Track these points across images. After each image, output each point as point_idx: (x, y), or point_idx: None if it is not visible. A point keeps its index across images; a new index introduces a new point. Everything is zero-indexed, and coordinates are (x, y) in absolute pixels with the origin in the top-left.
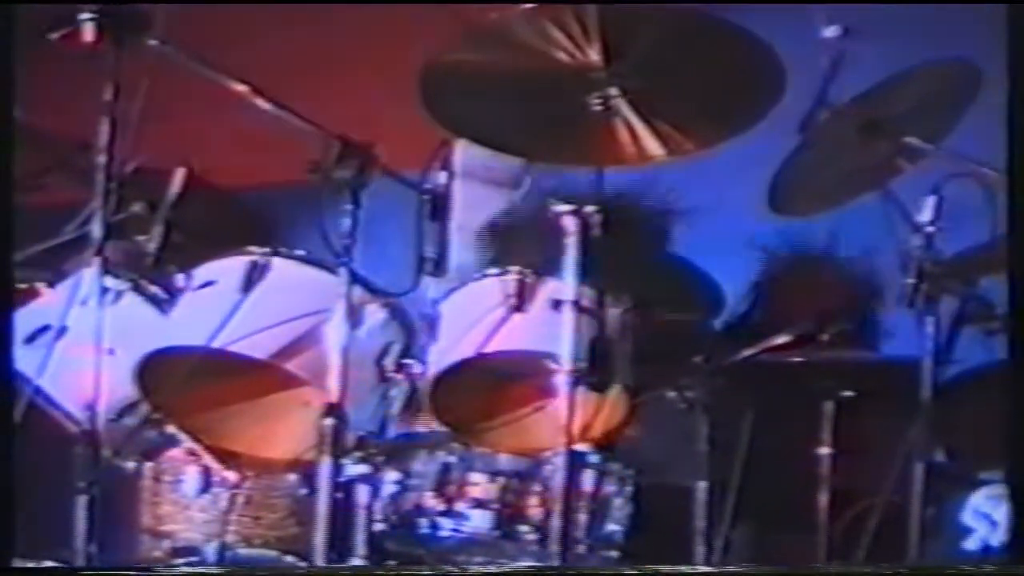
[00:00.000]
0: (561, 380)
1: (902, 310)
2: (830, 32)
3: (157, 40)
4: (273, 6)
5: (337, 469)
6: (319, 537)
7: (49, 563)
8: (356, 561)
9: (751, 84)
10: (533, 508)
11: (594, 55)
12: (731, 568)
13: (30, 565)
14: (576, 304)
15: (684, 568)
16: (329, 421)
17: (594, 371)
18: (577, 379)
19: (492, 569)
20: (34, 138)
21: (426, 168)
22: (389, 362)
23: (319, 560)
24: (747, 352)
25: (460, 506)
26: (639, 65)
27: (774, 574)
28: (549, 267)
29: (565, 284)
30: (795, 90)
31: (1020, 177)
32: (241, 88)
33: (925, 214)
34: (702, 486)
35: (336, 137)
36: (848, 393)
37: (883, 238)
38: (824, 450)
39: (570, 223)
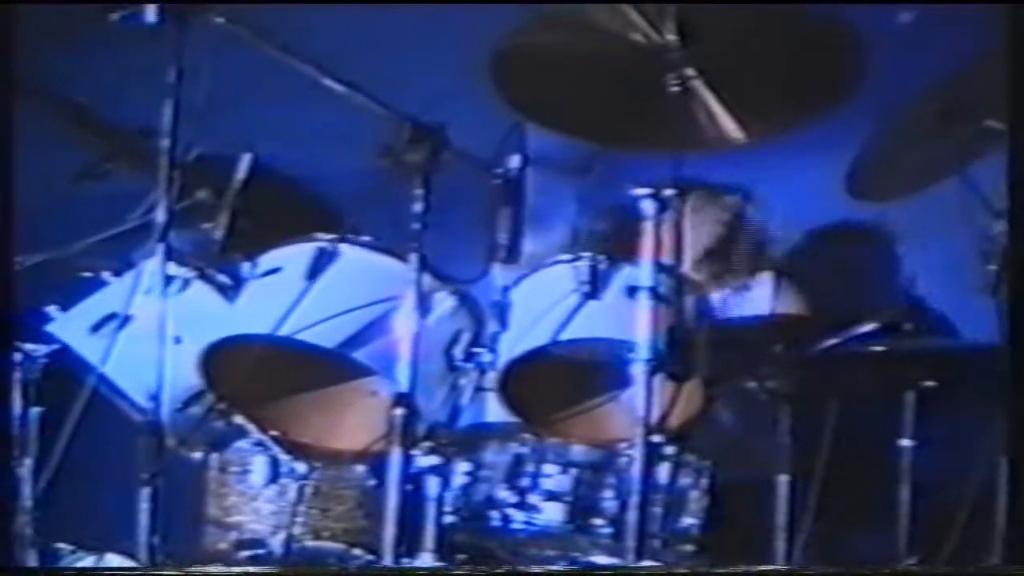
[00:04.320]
0: (637, 369)
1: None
2: (905, 17)
3: (223, 18)
4: None
5: (407, 460)
6: (388, 531)
7: (112, 555)
8: (426, 555)
9: (831, 66)
10: (607, 501)
11: (670, 36)
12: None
13: (33, 565)
14: (653, 291)
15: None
16: (399, 411)
17: (674, 360)
18: (655, 368)
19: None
20: (96, 125)
21: (498, 151)
22: (458, 351)
23: (387, 554)
24: (830, 341)
25: (532, 498)
26: (716, 46)
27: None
28: (625, 252)
29: (640, 270)
30: (873, 74)
31: (1021, 177)
32: (309, 68)
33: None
34: (783, 480)
35: (407, 119)
36: (930, 383)
37: (963, 224)
38: (906, 442)
39: (648, 207)
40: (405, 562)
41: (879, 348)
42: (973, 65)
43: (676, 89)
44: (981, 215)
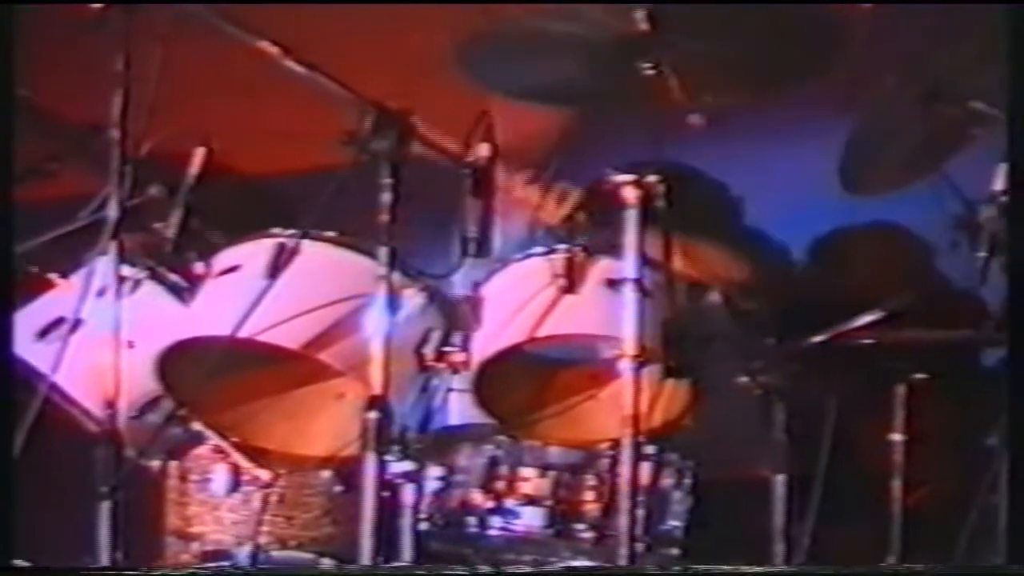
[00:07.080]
0: (621, 365)
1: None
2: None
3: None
4: None
5: (381, 465)
6: (365, 539)
7: None
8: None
9: (805, 49)
10: (588, 504)
11: (640, 16)
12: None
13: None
14: (637, 283)
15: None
16: (373, 414)
17: (668, 355)
18: (640, 364)
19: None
20: (45, 122)
21: (467, 141)
22: (429, 350)
23: (364, 562)
24: (827, 333)
25: (510, 503)
26: (687, 29)
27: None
28: (603, 243)
29: (619, 262)
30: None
31: (1020, 174)
32: (271, 49)
33: (998, 183)
34: (780, 479)
35: (372, 104)
36: (921, 376)
37: (939, 214)
38: (897, 437)
39: (630, 194)
40: None
41: (870, 340)
42: (950, 44)
43: (649, 73)
44: (952, 204)
